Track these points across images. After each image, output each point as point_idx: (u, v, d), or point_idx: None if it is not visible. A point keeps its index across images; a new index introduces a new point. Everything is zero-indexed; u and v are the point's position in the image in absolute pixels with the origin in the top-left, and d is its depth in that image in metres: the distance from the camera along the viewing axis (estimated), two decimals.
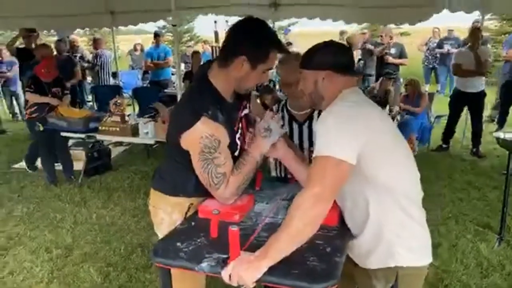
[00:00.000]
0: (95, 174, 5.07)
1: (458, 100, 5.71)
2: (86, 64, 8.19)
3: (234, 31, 1.61)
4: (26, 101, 4.83)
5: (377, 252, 1.49)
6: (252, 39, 1.56)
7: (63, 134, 4.67)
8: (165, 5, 5.00)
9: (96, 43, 8.60)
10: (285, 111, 2.29)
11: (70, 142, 5.26)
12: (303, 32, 9.71)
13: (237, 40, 1.59)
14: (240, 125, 1.78)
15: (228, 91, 1.66)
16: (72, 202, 4.35)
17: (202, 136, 1.54)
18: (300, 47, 8.16)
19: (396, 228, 1.47)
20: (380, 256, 1.49)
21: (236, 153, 1.73)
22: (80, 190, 4.64)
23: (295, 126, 2.24)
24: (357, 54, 7.08)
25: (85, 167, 4.95)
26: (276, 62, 1.77)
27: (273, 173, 2.40)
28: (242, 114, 1.80)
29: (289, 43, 8.57)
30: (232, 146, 1.67)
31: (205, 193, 1.68)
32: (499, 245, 3.21)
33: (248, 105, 1.86)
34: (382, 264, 1.49)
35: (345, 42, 9.17)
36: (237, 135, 1.74)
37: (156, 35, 8.34)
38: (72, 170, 4.99)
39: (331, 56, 1.52)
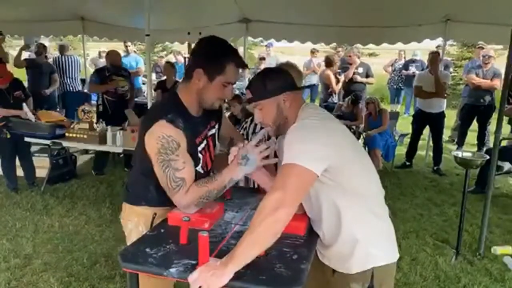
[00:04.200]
0: (59, 182, 4.94)
1: (420, 120, 5.98)
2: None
3: (195, 48, 1.74)
4: None
5: (354, 255, 1.55)
6: (208, 53, 1.66)
7: (27, 139, 4.54)
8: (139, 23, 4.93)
9: (61, 48, 8.14)
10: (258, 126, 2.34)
11: (35, 148, 5.10)
12: (275, 49, 10.00)
13: (196, 55, 1.71)
14: (206, 142, 1.81)
15: (192, 105, 1.72)
16: (33, 210, 4.22)
17: (160, 136, 1.59)
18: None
19: (368, 230, 1.55)
20: (358, 259, 1.55)
21: (199, 168, 1.76)
22: (43, 198, 4.50)
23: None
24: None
25: (49, 174, 4.82)
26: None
27: (241, 184, 2.43)
28: (209, 133, 1.85)
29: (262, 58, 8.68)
30: (193, 158, 1.69)
31: (167, 203, 1.70)
32: (456, 259, 3.35)
33: (216, 125, 1.91)
34: (361, 267, 1.56)
35: (318, 59, 9.39)
36: (199, 148, 1.76)
37: (125, 46, 8.30)
38: (34, 176, 4.85)
39: (283, 79, 1.61)
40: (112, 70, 5.43)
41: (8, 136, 4.45)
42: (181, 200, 1.63)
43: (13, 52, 10.15)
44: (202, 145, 1.79)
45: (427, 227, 4.02)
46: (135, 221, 1.81)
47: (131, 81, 5.67)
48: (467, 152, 3.53)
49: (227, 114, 5.31)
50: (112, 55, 5.58)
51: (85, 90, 7.66)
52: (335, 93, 7.03)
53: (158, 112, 1.66)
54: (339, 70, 7.10)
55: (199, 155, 1.77)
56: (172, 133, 1.59)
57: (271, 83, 1.59)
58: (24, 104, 4.54)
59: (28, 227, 3.83)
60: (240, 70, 1.77)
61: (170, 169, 1.60)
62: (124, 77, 5.51)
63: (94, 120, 4.79)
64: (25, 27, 6.67)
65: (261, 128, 2.31)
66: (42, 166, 4.95)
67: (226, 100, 2.27)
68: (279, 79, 1.60)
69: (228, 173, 1.64)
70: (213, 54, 1.65)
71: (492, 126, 6.63)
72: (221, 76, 1.65)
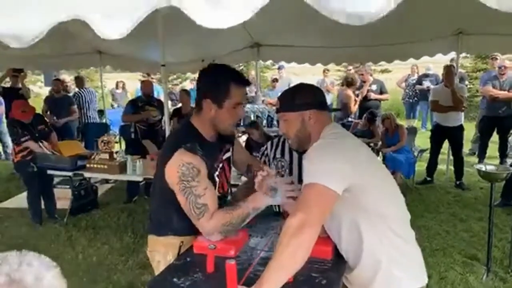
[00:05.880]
0: (81, 213, 4.99)
1: (438, 134, 5.90)
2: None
3: (197, 81, 1.82)
4: (16, 145, 4.61)
5: (377, 279, 1.52)
6: (210, 81, 1.73)
7: (50, 172, 4.63)
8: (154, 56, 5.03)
9: (78, 82, 8.36)
10: (286, 142, 2.33)
11: (56, 179, 5.19)
12: (287, 70, 10.11)
13: (200, 87, 1.78)
14: (221, 165, 1.85)
15: (207, 132, 1.77)
16: (57, 241, 4.26)
17: (180, 164, 1.61)
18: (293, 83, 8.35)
19: (391, 252, 1.51)
20: (381, 283, 1.52)
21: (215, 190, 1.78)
22: (66, 229, 4.55)
23: (295, 156, 2.28)
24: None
25: (71, 205, 4.89)
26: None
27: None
28: (224, 157, 1.89)
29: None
30: (211, 182, 1.72)
31: (193, 230, 1.71)
32: (487, 276, 3.25)
33: (231, 149, 1.95)
34: None
35: (330, 79, 9.42)
36: (216, 173, 1.81)
37: (147, 74, 8.49)
38: (55, 209, 4.92)
39: (312, 96, 1.65)
40: (145, 100, 5.55)
41: (35, 169, 4.55)
42: (205, 226, 1.63)
43: (32, 87, 10.49)
44: (219, 169, 1.83)
45: (454, 244, 3.92)
46: (163, 252, 1.81)
47: (163, 111, 5.72)
48: (490, 165, 3.45)
49: (244, 137, 5.34)
50: (145, 85, 5.70)
51: (104, 121, 7.86)
52: (351, 113, 7.03)
53: (176, 142, 1.69)
54: (356, 92, 7.13)
55: (216, 179, 1.80)
56: (191, 160, 1.62)
57: (300, 98, 1.63)
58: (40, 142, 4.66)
59: (53, 258, 3.85)
60: (247, 89, 1.82)
61: (192, 196, 1.62)
62: (155, 107, 5.58)
63: (115, 150, 4.86)
64: (46, 62, 6.91)
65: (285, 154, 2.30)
66: (63, 197, 5.03)
67: (241, 123, 2.32)
68: (309, 96, 1.64)
69: (253, 201, 1.67)
70: (214, 82, 1.71)
71: None
72: (228, 99, 1.70)
